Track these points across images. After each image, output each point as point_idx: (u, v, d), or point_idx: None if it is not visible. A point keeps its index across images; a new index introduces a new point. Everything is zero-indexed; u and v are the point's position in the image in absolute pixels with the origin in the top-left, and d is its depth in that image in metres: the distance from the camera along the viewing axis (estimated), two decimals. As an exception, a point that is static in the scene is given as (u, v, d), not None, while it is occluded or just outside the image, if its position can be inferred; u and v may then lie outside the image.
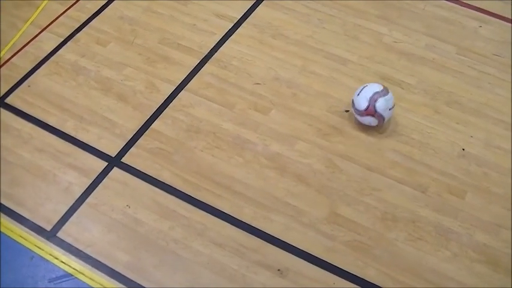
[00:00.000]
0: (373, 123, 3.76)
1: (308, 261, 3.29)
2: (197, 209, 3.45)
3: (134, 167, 3.63)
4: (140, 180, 3.57)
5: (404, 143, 3.76)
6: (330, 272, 3.26)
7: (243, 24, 4.40)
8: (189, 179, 3.57)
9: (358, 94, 3.74)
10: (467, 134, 3.84)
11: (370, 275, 3.26)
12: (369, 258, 3.32)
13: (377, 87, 3.73)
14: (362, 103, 3.70)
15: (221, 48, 4.25)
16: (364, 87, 3.75)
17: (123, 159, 3.65)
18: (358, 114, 3.76)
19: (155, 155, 3.68)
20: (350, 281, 3.23)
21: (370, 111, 3.69)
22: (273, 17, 4.46)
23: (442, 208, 3.49)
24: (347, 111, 3.90)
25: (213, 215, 3.44)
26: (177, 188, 3.53)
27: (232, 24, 4.40)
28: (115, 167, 3.62)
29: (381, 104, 3.67)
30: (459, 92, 4.05)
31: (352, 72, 4.12)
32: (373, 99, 3.67)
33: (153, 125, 3.82)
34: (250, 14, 4.47)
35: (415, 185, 3.59)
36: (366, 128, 3.82)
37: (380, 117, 3.72)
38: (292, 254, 3.31)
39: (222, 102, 3.93)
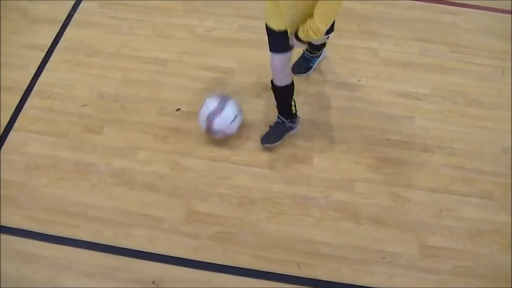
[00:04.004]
0: (223, 136, 3.72)
1: (180, 265, 3.33)
2: (56, 245, 3.40)
3: (-19, 222, 3.51)
4: (-9, 233, 3.47)
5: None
6: (204, 269, 3.32)
7: (55, 50, 4.32)
8: (40, 218, 3.50)
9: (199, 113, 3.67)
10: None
11: (242, 261, 3.35)
12: (237, 245, 3.41)
13: (213, 104, 3.63)
14: (202, 124, 3.68)
15: (39, 79, 4.16)
16: (202, 106, 3.66)
17: (-32, 219, 3.52)
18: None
19: (1, 203, 3.57)
20: (225, 273, 3.31)
21: (209, 131, 3.68)
22: (83, 35, 4.42)
23: (291, 179, 3.63)
24: (178, 109, 3.95)
25: (74, 247, 3.40)
26: (31, 230, 3.46)
27: (45, 53, 4.31)
28: (-38, 230, 3.48)
29: (218, 123, 3.63)
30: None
31: (174, 71, 4.18)
32: (209, 120, 3.62)
33: (-10, 175, 3.70)
34: (60, 38, 4.40)
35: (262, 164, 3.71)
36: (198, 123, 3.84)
37: (223, 133, 3.68)
38: (162, 262, 3.34)
39: (53, 133, 3.87)
